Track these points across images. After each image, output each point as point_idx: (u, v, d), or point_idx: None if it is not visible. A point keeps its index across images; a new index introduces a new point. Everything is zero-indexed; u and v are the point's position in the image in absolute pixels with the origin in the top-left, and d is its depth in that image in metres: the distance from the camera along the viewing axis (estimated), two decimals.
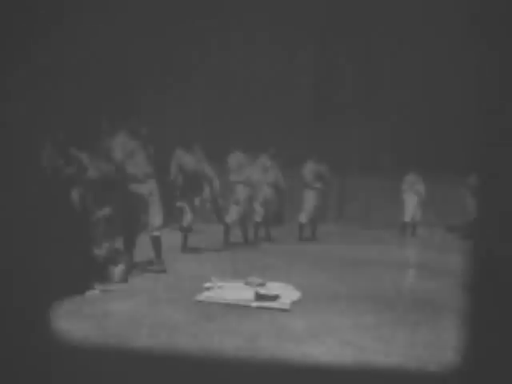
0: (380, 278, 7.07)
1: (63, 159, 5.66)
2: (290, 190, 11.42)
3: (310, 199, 10.67)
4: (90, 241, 6.09)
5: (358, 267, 7.80)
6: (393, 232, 12.45)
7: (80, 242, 5.59)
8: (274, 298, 5.53)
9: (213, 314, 5.01)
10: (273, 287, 5.97)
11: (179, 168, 8.52)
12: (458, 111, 13.43)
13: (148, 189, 6.73)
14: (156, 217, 6.83)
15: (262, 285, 6.02)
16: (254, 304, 5.35)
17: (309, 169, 10.68)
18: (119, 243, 6.67)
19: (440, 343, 4.40)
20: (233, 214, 9.28)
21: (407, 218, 12.29)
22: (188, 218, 8.56)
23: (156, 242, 6.88)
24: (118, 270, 6.09)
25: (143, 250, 7.01)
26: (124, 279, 6.11)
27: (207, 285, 6.04)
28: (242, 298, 5.54)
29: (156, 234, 6.85)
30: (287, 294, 5.79)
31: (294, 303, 5.47)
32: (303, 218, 10.67)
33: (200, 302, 5.43)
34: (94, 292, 5.54)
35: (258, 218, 9.85)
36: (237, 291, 5.79)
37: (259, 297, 5.51)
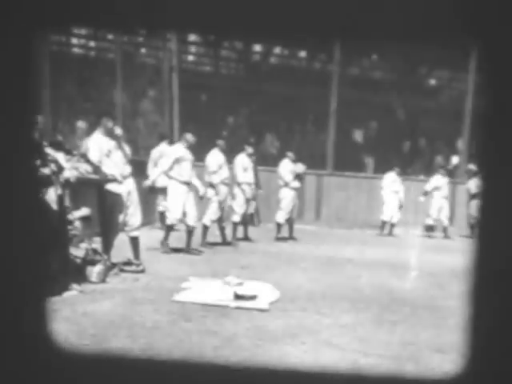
0: (358, 278, 7.13)
1: (39, 159, 5.61)
2: (265, 189, 11.48)
3: (288, 199, 10.65)
4: (67, 241, 6.05)
5: (336, 267, 7.85)
6: (370, 231, 12.53)
7: (57, 242, 5.54)
8: (253, 298, 5.54)
9: (191, 314, 5.01)
10: (251, 287, 5.99)
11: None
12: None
13: (126, 189, 6.70)
14: (134, 217, 6.81)
15: (240, 284, 6.03)
16: (233, 304, 5.36)
17: (286, 168, 10.64)
18: (97, 243, 6.63)
19: (418, 342, 4.46)
20: (211, 214, 9.26)
21: (386, 217, 12.33)
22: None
23: (135, 243, 6.85)
24: (96, 270, 6.05)
25: (121, 250, 6.97)
26: (102, 280, 6.08)
27: (185, 285, 6.04)
28: (220, 298, 5.54)
29: (135, 234, 6.83)
30: (265, 293, 5.81)
31: (272, 303, 5.50)
32: (281, 217, 10.65)
33: (178, 302, 5.43)
34: (72, 293, 5.51)
35: (235, 218, 9.83)
36: (215, 291, 5.80)
37: (238, 297, 5.52)
